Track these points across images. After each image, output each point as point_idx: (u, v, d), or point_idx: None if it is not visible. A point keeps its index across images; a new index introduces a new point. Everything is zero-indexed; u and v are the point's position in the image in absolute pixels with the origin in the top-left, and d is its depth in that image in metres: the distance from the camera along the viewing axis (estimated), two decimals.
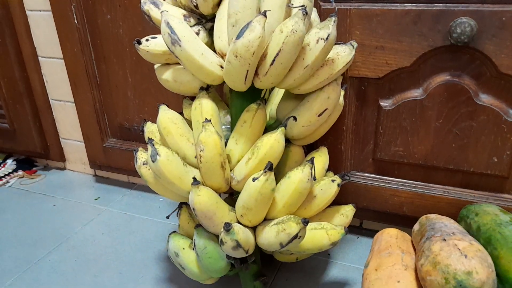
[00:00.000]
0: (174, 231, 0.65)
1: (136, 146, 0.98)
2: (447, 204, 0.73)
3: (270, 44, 0.53)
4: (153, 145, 0.56)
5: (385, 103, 0.72)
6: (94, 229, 0.91)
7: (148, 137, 0.55)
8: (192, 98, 0.71)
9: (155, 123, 0.67)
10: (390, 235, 0.72)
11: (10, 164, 1.16)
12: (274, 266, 0.77)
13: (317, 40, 0.54)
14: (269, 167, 0.52)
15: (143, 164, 0.60)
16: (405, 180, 0.77)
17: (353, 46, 0.61)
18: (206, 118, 0.55)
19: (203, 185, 0.56)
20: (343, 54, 0.59)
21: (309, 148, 0.73)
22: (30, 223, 0.93)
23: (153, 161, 0.55)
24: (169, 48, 0.56)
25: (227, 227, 0.51)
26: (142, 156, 0.61)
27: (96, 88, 0.96)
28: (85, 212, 0.97)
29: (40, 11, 0.96)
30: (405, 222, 0.79)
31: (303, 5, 0.51)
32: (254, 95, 0.63)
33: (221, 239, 0.52)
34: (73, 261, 0.81)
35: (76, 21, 0.89)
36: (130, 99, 0.94)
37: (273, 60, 0.53)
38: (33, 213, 0.97)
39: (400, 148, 0.74)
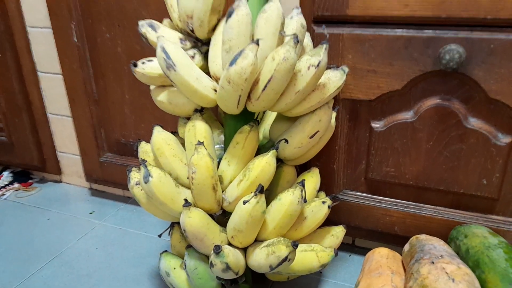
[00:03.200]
0: (166, 251, 0.65)
1: (131, 161, 0.99)
2: (438, 225, 0.74)
3: (262, 71, 0.54)
4: (146, 166, 0.56)
5: (376, 125, 0.73)
6: (88, 243, 0.91)
7: (141, 158, 0.56)
8: (188, 118, 0.72)
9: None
10: (381, 255, 0.72)
11: (7, 176, 1.16)
12: (266, 285, 0.77)
13: (308, 67, 0.55)
14: (260, 190, 0.53)
15: (136, 184, 0.61)
16: (396, 200, 0.78)
17: (344, 71, 0.62)
18: (198, 141, 0.56)
19: (195, 206, 0.57)
20: (334, 79, 0.61)
21: (302, 167, 0.74)
22: (24, 237, 0.94)
23: (145, 182, 0.56)
24: (164, 72, 0.57)
25: (217, 249, 0.52)
26: (135, 176, 0.62)
27: (93, 104, 0.98)
28: (79, 226, 0.98)
29: (40, 27, 0.97)
30: (396, 241, 0.79)
31: (294, 34, 0.53)
32: (247, 117, 0.64)
33: (211, 261, 0.53)
34: (65, 276, 0.81)
35: (75, 39, 0.91)
36: (127, 115, 0.95)
37: (265, 86, 0.54)
38: (27, 226, 0.98)
39: (392, 168, 0.75)
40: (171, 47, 0.56)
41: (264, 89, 0.54)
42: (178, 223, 0.66)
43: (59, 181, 1.18)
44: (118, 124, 0.97)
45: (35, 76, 1.05)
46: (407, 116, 0.71)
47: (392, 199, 0.78)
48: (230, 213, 0.60)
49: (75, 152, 1.10)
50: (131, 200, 1.08)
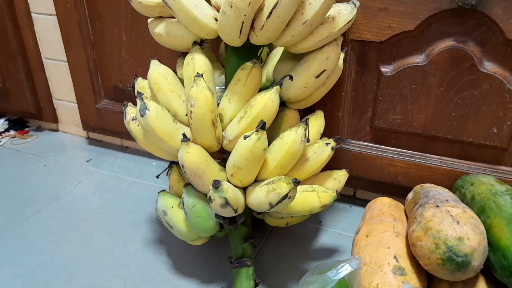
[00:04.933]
0: (163, 190, 0.63)
1: None
2: (443, 175, 0.72)
3: None
4: (142, 99, 0.54)
5: (386, 69, 0.70)
6: (85, 189, 0.90)
7: (138, 91, 0.53)
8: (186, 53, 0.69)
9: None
10: (383, 203, 0.71)
11: (2, 123, 1.14)
12: (265, 231, 0.76)
13: None
14: (262, 126, 0.50)
15: (132, 119, 0.58)
16: (402, 150, 0.75)
17: (355, 5, 0.58)
18: (198, 73, 0.53)
19: (193, 142, 0.55)
20: (344, 12, 0.57)
21: (306, 113, 0.71)
22: (20, 182, 0.92)
23: (141, 116, 0.53)
24: None
25: (216, 184, 0.50)
26: (131, 111, 0.59)
27: (90, 47, 0.94)
28: (76, 173, 0.96)
29: None
30: (399, 192, 0.78)
31: None
32: (250, 54, 0.61)
33: (210, 197, 0.51)
34: (62, 219, 0.80)
35: None
36: (124, 59, 0.91)
37: (270, 13, 0.50)
38: (24, 172, 0.96)
39: (399, 116, 0.72)
40: None
41: (269, 16, 0.50)
42: (177, 162, 0.64)
43: (56, 130, 1.15)
44: (115, 69, 0.94)
45: (29, 17, 1.00)
46: (418, 59, 0.67)
47: (397, 149, 0.75)
48: (229, 153, 0.58)
49: (71, 99, 1.07)
50: (129, 150, 1.06)
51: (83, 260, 0.70)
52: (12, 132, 1.11)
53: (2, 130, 1.12)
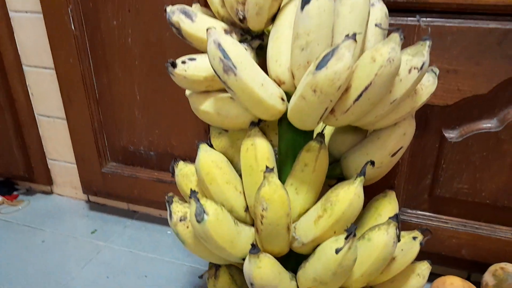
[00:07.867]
0: None
1: (142, 172, 0.84)
2: None
3: (355, 75, 0.41)
4: (199, 200, 0.43)
5: (450, 134, 0.62)
6: (95, 272, 0.77)
7: (191, 189, 0.42)
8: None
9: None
10: (455, 287, 0.62)
11: None
12: None
13: (410, 70, 0.43)
14: (354, 233, 0.41)
15: (180, 220, 0.47)
16: (466, 220, 0.67)
17: (435, 73, 0.50)
18: (267, 167, 0.43)
19: (262, 250, 0.44)
20: (427, 84, 0.48)
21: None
22: (14, 266, 0.78)
23: (198, 221, 0.43)
24: (219, 77, 0.43)
25: None
26: (178, 209, 0.48)
27: (94, 104, 0.82)
28: (82, 249, 0.83)
29: (26, 12, 0.80)
30: (461, 265, 0.70)
31: (398, 28, 0.40)
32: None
33: None
34: None
35: (73, 27, 0.74)
36: (137, 119, 0.80)
37: (360, 95, 0.41)
38: (18, 252, 0.82)
39: (465, 185, 0.64)
40: (229, 42, 0.43)
41: (357, 99, 0.41)
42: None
43: (50, 192, 1.01)
44: (126, 129, 0.82)
45: (20, 70, 0.87)
46: (489, 125, 0.60)
47: (461, 219, 0.67)
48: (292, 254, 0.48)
49: (69, 160, 0.94)
50: (137, 215, 0.93)
51: None
52: None
53: None
